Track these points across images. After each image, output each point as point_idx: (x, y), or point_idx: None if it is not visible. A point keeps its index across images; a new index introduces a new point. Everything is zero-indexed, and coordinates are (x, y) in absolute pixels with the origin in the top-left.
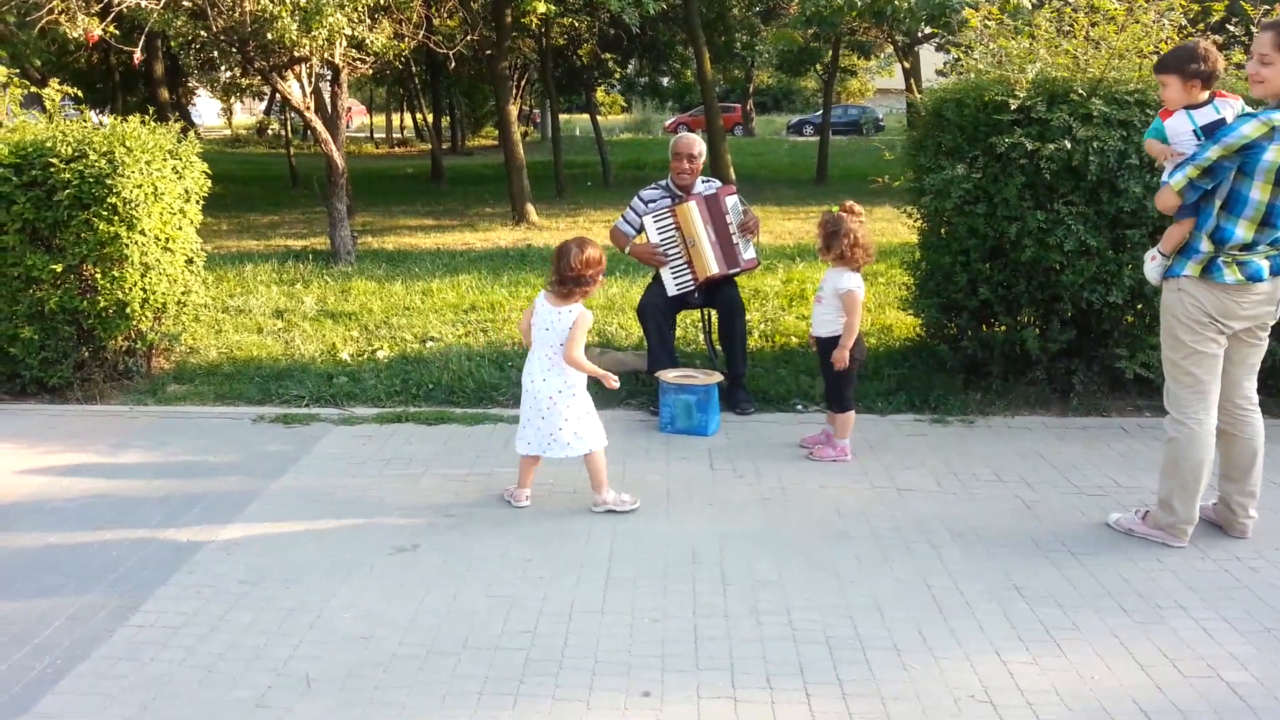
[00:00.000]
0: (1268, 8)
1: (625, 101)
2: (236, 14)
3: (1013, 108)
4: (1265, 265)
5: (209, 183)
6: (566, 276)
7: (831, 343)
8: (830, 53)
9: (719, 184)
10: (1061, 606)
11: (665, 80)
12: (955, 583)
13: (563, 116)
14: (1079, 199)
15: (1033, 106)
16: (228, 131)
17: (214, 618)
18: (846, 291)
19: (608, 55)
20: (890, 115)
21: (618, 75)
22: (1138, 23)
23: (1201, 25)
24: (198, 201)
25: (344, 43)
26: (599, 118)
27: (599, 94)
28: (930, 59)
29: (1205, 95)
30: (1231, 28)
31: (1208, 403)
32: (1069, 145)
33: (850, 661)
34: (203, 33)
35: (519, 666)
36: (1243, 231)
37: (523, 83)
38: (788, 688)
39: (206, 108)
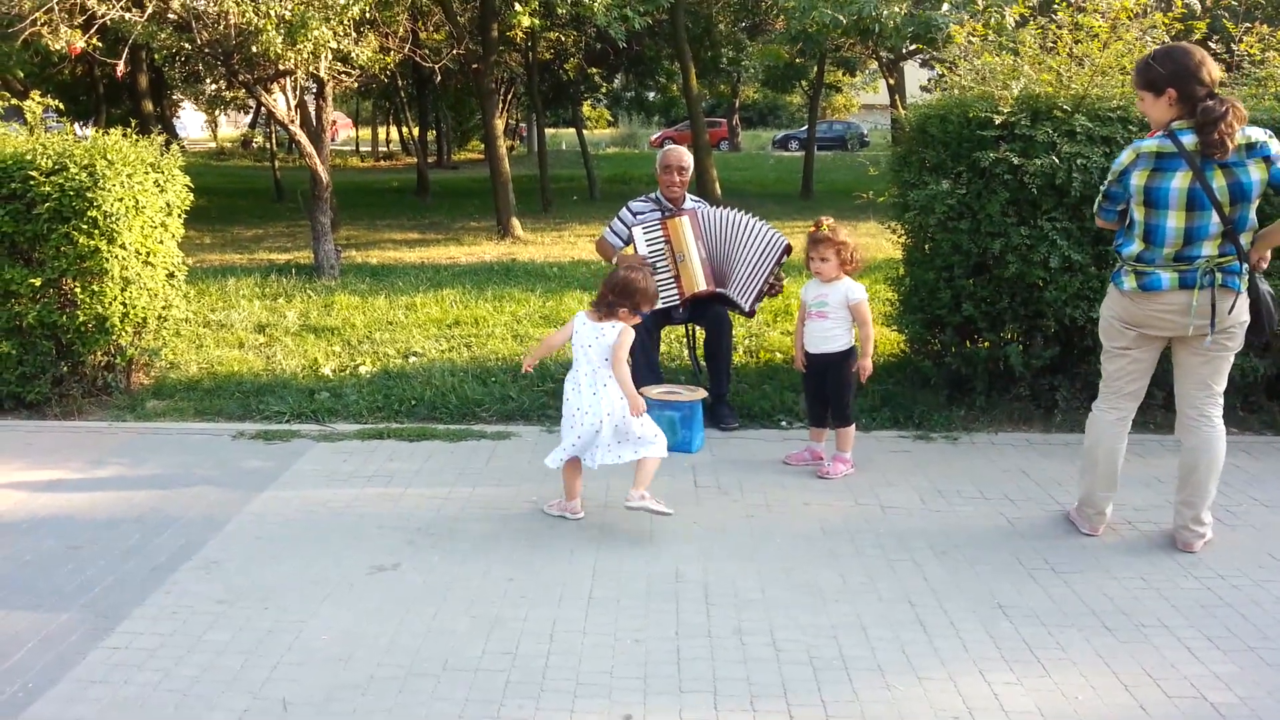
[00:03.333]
0: (1248, 25)
1: (611, 116)
2: (221, 27)
3: (997, 124)
4: (1169, 277)
5: (191, 196)
6: (607, 297)
7: (840, 358)
8: (815, 69)
9: (706, 203)
10: (1045, 625)
11: (651, 95)
12: (939, 601)
13: (549, 130)
14: (1062, 215)
15: (1017, 123)
16: (213, 144)
17: (191, 639)
18: (859, 301)
19: (594, 69)
20: (875, 131)
21: (604, 89)
22: (1120, 40)
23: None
24: (180, 215)
25: (329, 56)
26: (585, 132)
27: (585, 108)
28: (915, 75)
29: None
30: (1213, 45)
31: (1111, 396)
32: (1055, 160)
33: (834, 682)
34: (187, 45)
35: (499, 688)
36: (1134, 246)
37: (509, 97)
38: (771, 710)
39: (191, 120)
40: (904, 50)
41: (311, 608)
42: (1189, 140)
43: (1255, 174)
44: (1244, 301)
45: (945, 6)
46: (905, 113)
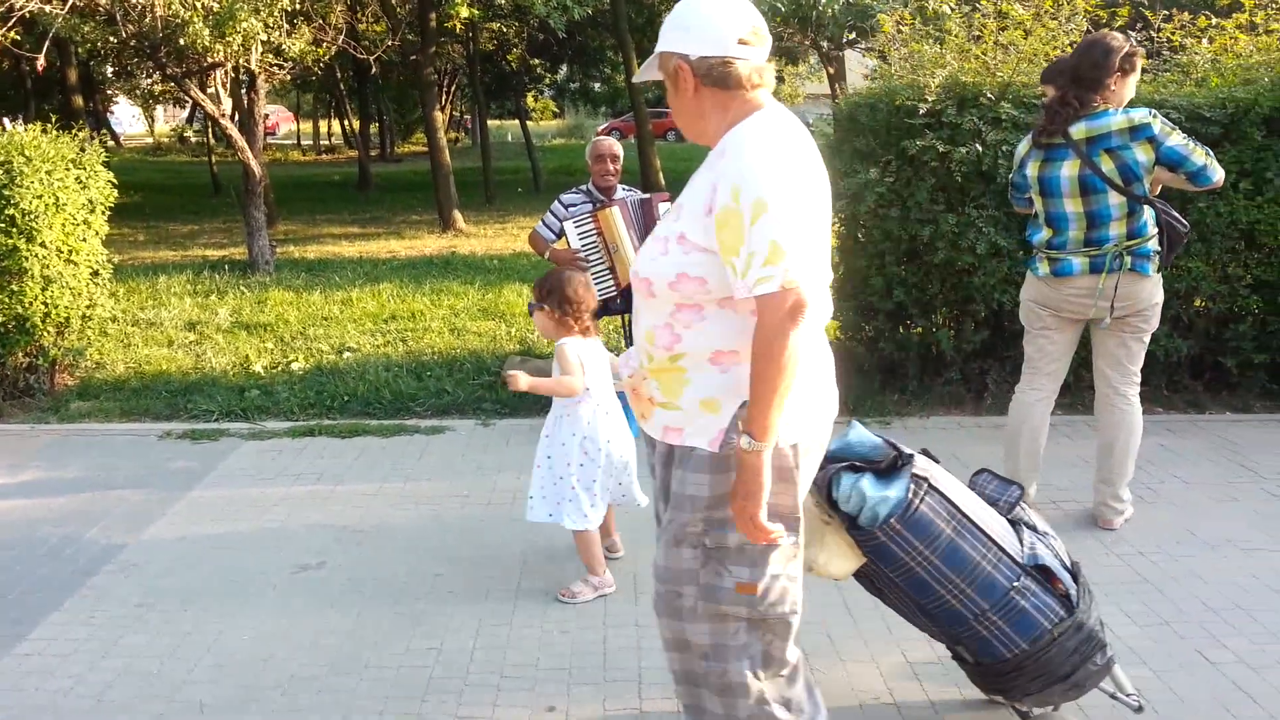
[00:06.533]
0: (1168, 13)
1: (557, 107)
2: (147, 20)
3: (923, 112)
4: (1079, 262)
5: (116, 192)
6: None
7: None
8: None
9: (640, 191)
10: None
11: (596, 85)
12: None
13: (494, 122)
14: (989, 202)
15: (943, 110)
16: (149, 139)
17: (106, 643)
18: None
19: (536, 61)
20: (819, 120)
21: (548, 80)
22: (1044, 27)
23: (1105, 31)
24: (104, 212)
25: (260, 48)
26: (530, 123)
27: (529, 99)
28: (859, 65)
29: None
30: (1134, 33)
31: (1032, 376)
32: (979, 149)
33: None
34: (112, 39)
35: (421, 685)
36: (1043, 233)
37: (452, 88)
38: None
39: (130, 115)
40: (843, 39)
41: (232, 608)
42: (1076, 129)
43: (1142, 155)
44: (1155, 283)
45: None
46: (838, 101)
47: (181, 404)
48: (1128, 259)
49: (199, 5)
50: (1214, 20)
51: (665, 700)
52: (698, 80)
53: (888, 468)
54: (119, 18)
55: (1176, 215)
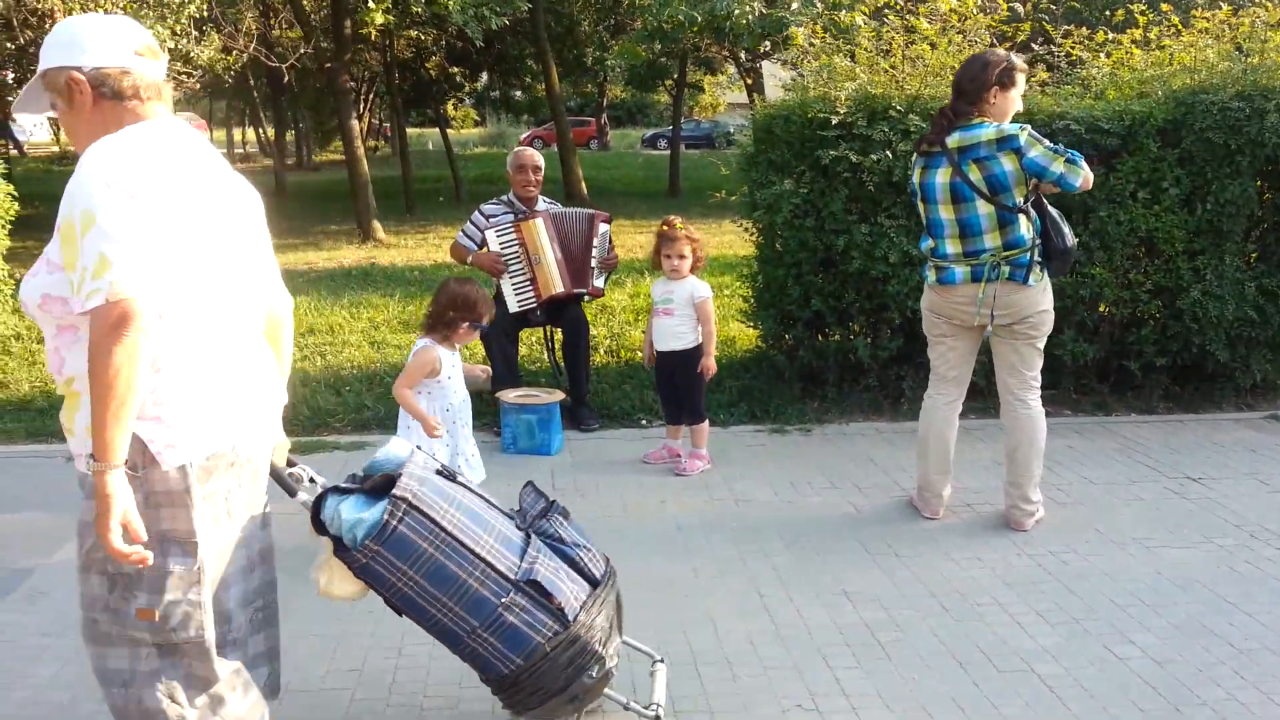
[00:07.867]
0: (1068, 28)
1: (478, 115)
2: (46, 26)
3: (834, 123)
4: (961, 271)
5: (17, 205)
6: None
7: (687, 355)
8: (678, 68)
9: (558, 204)
10: (886, 609)
11: (517, 93)
12: (787, 592)
13: (415, 130)
14: (900, 212)
15: (854, 122)
16: (55, 148)
17: (10, 675)
18: (704, 299)
19: (456, 69)
20: (740, 130)
21: (468, 89)
22: (949, 41)
23: (1008, 44)
24: (3, 225)
25: (167, 56)
26: (451, 131)
27: (449, 107)
28: (775, 76)
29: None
30: (1036, 47)
31: (937, 383)
32: (889, 159)
33: (684, 678)
34: (10, 45)
35: (343, 707)
36: (928, 242)
37: (370, 96)
38: (615, 708)
39: (34, 123)
40: (761, 50)
41: None
42: (952, 139)
43: (1008, 165)
44: (1038, 292)
45: (795, 5)
46: (753, 113)
47: None
48: (1005, 268)
49: (100, 13)
50: (1111, 35)
51: (589, 714)
52: (95, 93)
53: (376, 488)
54: (16, 23)
55: (1063, 230)
